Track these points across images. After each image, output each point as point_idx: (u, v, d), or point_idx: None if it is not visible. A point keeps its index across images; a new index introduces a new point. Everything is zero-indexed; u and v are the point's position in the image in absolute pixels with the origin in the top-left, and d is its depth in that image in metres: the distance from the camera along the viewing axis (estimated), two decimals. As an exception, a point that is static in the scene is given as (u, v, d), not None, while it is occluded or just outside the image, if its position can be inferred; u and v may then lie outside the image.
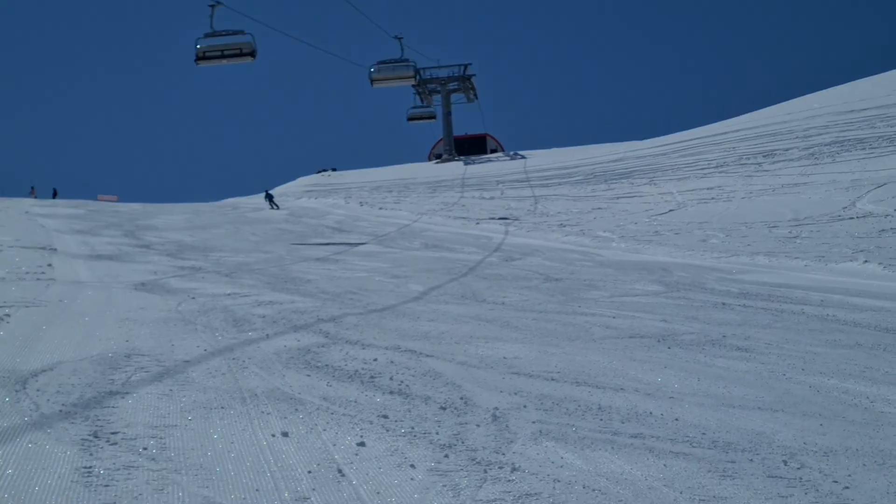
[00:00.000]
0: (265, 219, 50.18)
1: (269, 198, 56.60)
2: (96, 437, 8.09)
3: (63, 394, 9.64)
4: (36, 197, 70.86)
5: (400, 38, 74.67)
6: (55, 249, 27.38)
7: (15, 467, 7.18)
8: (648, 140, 75.66)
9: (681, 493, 7.26)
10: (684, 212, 44.03)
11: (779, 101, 70.69)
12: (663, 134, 76.32)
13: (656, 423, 9.31)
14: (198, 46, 43.17)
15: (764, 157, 54.16)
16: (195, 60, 43.52)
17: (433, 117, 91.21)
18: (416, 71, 78.67)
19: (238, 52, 43.46)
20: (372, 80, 72.15)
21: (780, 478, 7.66)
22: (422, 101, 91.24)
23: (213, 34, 43.30)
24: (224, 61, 43.87)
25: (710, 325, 16.32)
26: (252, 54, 43.24)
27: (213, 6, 43.60)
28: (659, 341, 14.38)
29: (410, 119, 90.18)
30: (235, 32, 43.34)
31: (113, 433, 8.22)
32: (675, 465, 7.90)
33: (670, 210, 45.09)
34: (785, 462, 8.06)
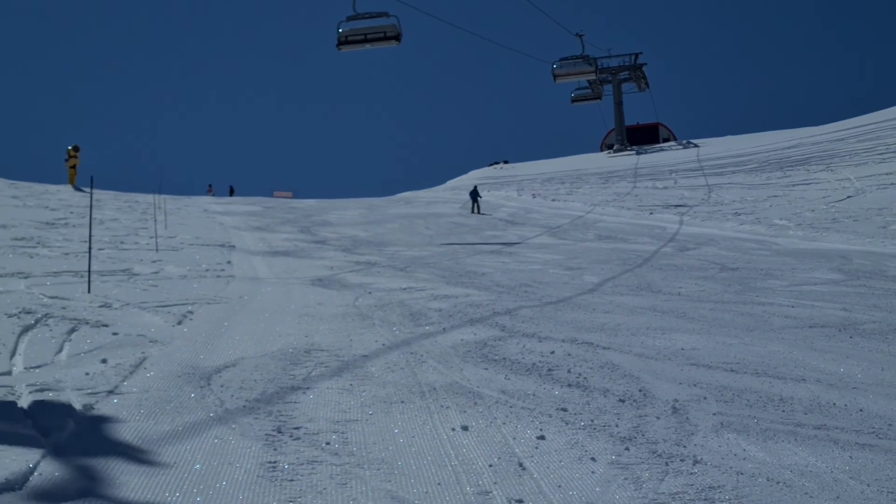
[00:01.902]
0: (438, 213, 50.40)
1: (475, 196, 52.64)
2: (280, 432, 8.22)
3: (246, 389, 9.82)
4: (213, 195, 72.16)
5: (581, 36, 79.44)
6: (234, 246, 27.86)
7: (203, 462, 7.33)
8: (825, 125, 74.25)
9: (868, 485, 7.11)
10: (863, 198, 43.11)
11: (960, 82, 68.73)
12: (840, 119, 74.93)
13: (840, 414, 9.14)
14: (339, 31, 41.76)
15: (946, 139, 52.77)
16: (337, 45, 41.96)
17: (598, 98, 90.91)
18: (596, 67, 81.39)
19: (382, 35, 41.79)
20: (555, 76, 79.59)
21: (972, 470, 7.47)
22: (592, 90, 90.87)
23: (356, 17, 41.75)
24: (368, 45, 42.13)
25: (892, 313, 15.98)
26: (397, 38, 41.54)
27: None
28: (840, 330, 14.12)
29: (575, 101, 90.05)
30: (379, 14, 41.71)
31: (296, 428, 8.35)
32: (860, 457, 7.74)
33: (848, 196, 44.18)
34: (977, 453, 7.85)
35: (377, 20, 41.47)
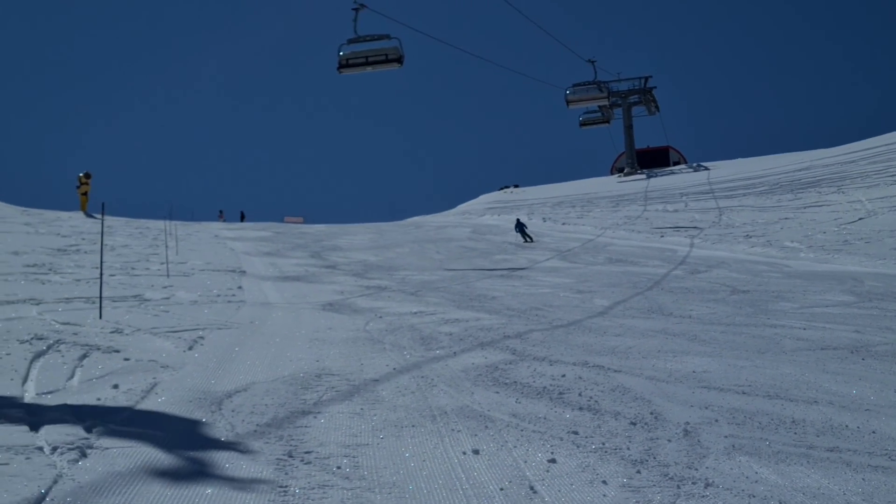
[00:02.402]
0: (448, 237, 50.43)
1: (521, 228, 49.63)
2: (291, 456, 8.23)
3: (257, 414, 9.83)
4: (224, 220, 72.31)
5: (593, 62, 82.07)
6: (244, 272, 27.89)
7: (214, 486, 7.33)
8: (835, 147, 74.30)
9: (881, 507, 7.10)
10: (875, 220, 43.06)
11: (970, 104, 68.87)
12: (851, 141, 74.97)
13: (853, 437, 9.13)
14: (340, 53, 41.31)
15: (957, 161, 52.75)
16: (338, 69, 41.55)
17: (607, 122, 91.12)
18: (609, 93, 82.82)
19: (384, 58, 41.28)
20: (568, 102, 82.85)
21: None
22: (602, 114, 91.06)
23: (357, 39, 41.29)
24: (369, 68, 41.59)
25: (905, 335, 15.96)
26: (399, 60, 41.04)
27: (356, 9, 41.20)
28: (852, 352, 14.10)
29: (584, 125, 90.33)
30: (381, 37, 41.19)
31: (307, 452, 8.35)
32: (874, 479, 7.74)
33: (860, 219, 44.14)
34: None
35: (379, 42, 41.05)
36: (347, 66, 41.32)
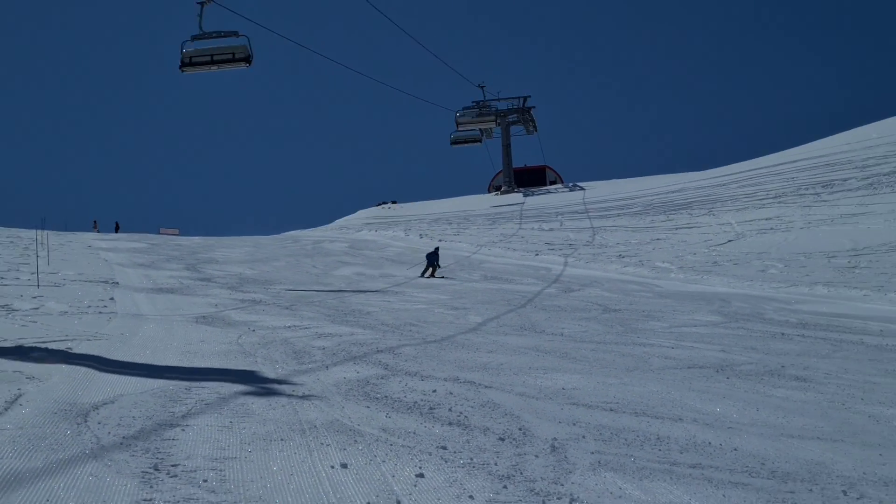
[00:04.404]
0: (325, 251, 50.33)
1: (433, 259, 40.67)
2: (156, 469, 8.14)
3: (124, 426, 9.71)
4: (98, 231, 71.47)
5: (482, 87, 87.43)
6: (117, 283, 27.58)
7: (76, 500, 7.24)
8: (707, 171, 75.57)
9: (740, 523, 7.24)
10: (743, 242, 43.89)
11: (837, 132, 70.46)
12: (722, 164, 76.32)
13: (715, 454, 9.30)
14: (183, 51, 38.59)
15: (823, 187, 53.88)
16: (180, 67, 38.79)
17: (478, 140, 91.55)
18: (497, 117, 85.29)
19: (231, 56, 38.53)
20: (458, 124, 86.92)
21: (840, 508, 7.64)
22: (480, 132, 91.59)
23: (203, 36, 38.59)
24: (214, 67, 38.91)
25: (769, 355, 16.30)
26: (247, 60, 38.44)
27: (202, 3, 38.57)
28: (718, 371, 14.37)
29: (455, 143, 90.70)
30: (228, 34, 38.54)
31: (173, 465, 8.27)
32: (734, 496, 7.88)
33: (729, 241, 44.94)
34: (844, 492, 8.03)
35: (226, 40, 38.73)
36: (191, 64, 38.98)
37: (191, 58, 38.69)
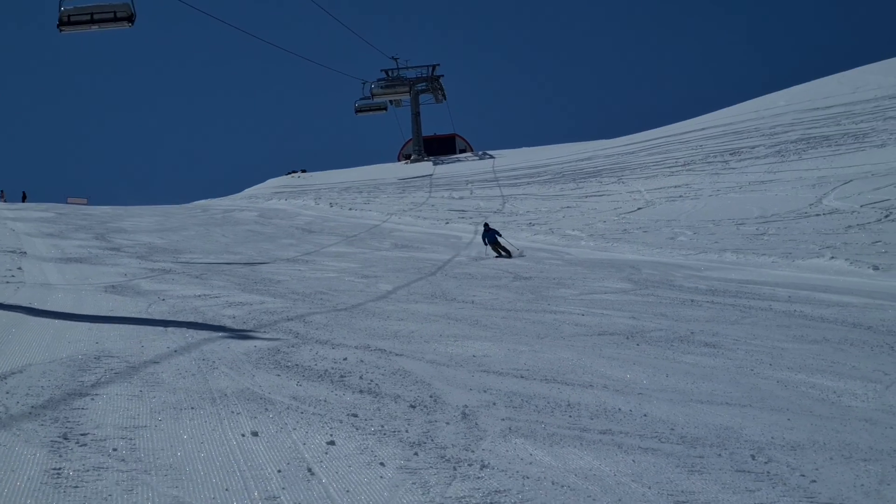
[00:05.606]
0: (235, 220, 50.05)
1: (493, 237, 33.76)
2: (66, 438, 8.07)
3: (32, 396, 9.61)
4: (5, 200, 70.51)
5: (396, 59, 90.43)
6: (25, 253, 27.21)
7: (-16, 469, 7.17)
8: (616, 139, 76.00)
9: (649, 488, 7.32)
10: (652, 210, 44.18)
11: (745, 100, 71.22)
12: (631, 132, 76.81)
13: (625, 419, 9.40)
14: (61, 9, 36.19)
15: (731, 154, 54.40)
16: (58, 26, 36.47)
17: (383, 109, 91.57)
18: (411, 88, 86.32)
19: (112, 15, 36.00)
20: (373, 95, 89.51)
21: (748, 472, 7.75)
22: (391, 102, 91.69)
23: None
24: (95, 27, 36.46)
25: (678, 321, 16.45)
26: (129, 19, 35.95)
27: None
28: (628, 338, 14.49)
29: (359, 111, 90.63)
30: None
31: (82, 434, 8.20)
32: (643, 461, 7.97)
33: (638, 208, 45.22)
34: (753, 457, 8.15)
35: None
36: (69, 23, 36.62)
37: (69, 16, 36.62)
